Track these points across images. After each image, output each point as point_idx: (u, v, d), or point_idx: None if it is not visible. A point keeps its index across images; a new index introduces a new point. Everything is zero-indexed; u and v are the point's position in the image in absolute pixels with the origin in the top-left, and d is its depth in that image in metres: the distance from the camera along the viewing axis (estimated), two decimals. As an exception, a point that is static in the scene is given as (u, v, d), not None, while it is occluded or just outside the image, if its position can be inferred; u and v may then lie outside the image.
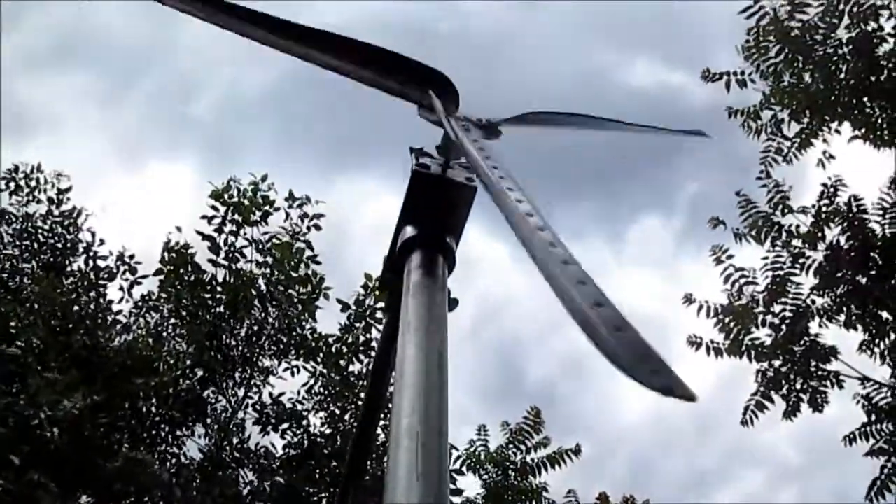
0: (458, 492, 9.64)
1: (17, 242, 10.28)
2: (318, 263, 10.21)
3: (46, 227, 10.33)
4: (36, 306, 9.39)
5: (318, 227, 10.31)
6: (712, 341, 10.22)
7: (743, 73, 10.29)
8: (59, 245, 10.32)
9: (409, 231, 2.21)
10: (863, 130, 10.31)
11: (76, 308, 9.80)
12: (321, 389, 10.06)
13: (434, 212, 2.21)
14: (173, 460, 9.44)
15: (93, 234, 10.33)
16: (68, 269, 10.23)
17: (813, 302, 10.03)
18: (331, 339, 10.11)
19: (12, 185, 10.29)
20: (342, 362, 10.03)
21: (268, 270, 10.11)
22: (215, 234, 9.99)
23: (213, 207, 10.00)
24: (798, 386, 10.18)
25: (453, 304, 2.25)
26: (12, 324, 9.51)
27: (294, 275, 10.05)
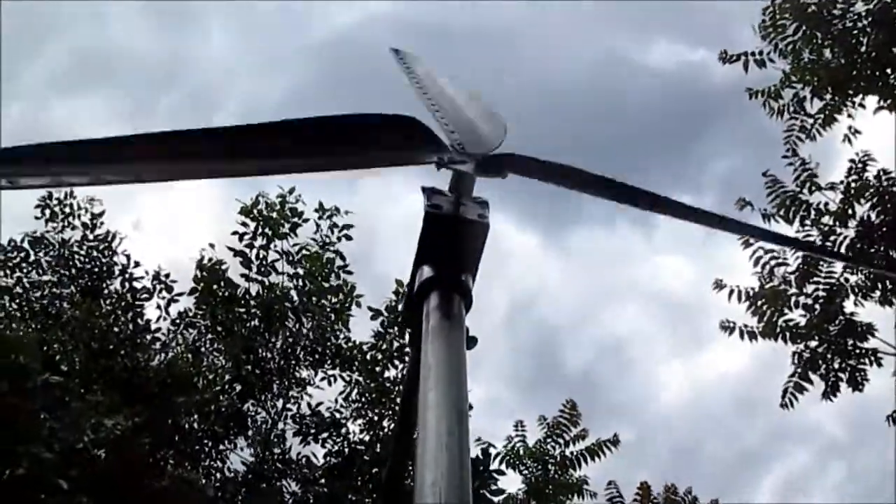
0: (500, 492, 9.68)
1: (56, 268, 10.50)
2: (350, 273, 10.32)
3: (82, 252, 10.53)
4: (76, 331, 9.60)
5: (348, 238, 10.43)
6: (745, 325, 10.15)
7: (761, 52, 10.17)
8: (96, 269, 10.52)
9: (427, 272, 2.24)
10: (888, 101, 10.13)
11: (116, 329, 10.00)
12: (358, 397, 10.17)
13: (449, 251, 2.24)
14: (217, 475, 9.62)
15: (127, 257, 10.54)
16: (105, 291, 10.42)
17: (846, 280, 9.90)
18: (365, 347, 10.21)
19: (47, 212, 10.50)
20: (378, 368, 10.12)
21: (300, 282, 10.22)
22: (246, 250, 10.13)
23: (243, 223, 10.14)
24: (836, 365, 10.06)
25: (472, 342, 2.29)
26: (56, 346, 9.75)
27: (326, 285, 10.15)
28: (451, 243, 2.24)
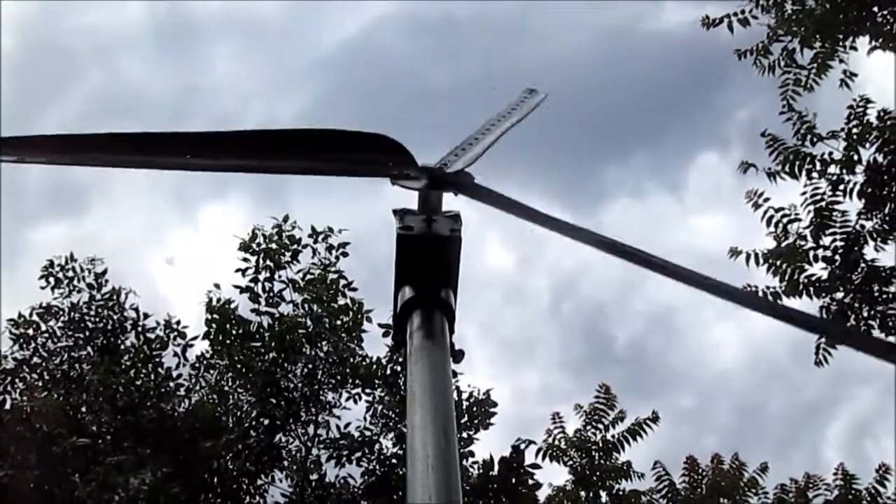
0: (537, 486, 9.60)
1: (70, 333, 10.52)
2: (355, 290, 10.30)
3: (92, 312, 10.57)
4: (99, 390, 9.60)
5: (345, 255, 10.41)
6: (768, 287, 9.99)
7: (743, 11, 10.03)
8: (109, 327, 10.56)
9: (408, 292, 2.27)
10: (881, 40, 9.95)
11: (138, 383, 10.00)
12: (385, 411, 10.12)
13: (426, 270, 2.26)
14: (258, 511, 9.57)
15: (136, 311, 10.58)
16: (122, 347, 10.44)
17: (862, 227, 9.71)
18: (383, 361, 10.16)
19: (52, 280, 10.53)
20: (399, 381, 10.04)
21: (309, 307, 10.19)
22: (252, 284, 10.13)
23: (244, 259, 10.15)
24: (865, 314, 9.87)
25: (459, 356, 2.31)
26: (82, 409, 9.76)
27: (334, 306, 10.13)
28: (426, 262, 2.26)
